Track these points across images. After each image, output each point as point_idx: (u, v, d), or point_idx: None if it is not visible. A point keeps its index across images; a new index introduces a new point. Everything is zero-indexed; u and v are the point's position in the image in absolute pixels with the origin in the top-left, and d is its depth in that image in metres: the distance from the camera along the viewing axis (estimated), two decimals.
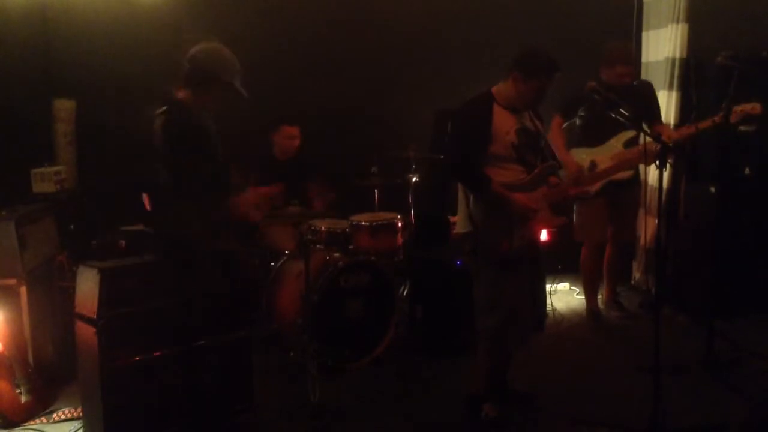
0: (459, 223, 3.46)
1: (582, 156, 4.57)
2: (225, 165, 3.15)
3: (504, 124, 3.27)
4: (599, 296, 5.10)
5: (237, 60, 3.07)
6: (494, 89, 3.34)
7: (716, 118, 4.18)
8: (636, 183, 4.74)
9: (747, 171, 4.90)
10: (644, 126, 4.46)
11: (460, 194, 3.40)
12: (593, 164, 4.52)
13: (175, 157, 2.92)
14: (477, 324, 3.43)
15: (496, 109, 3.28)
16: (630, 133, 4.48)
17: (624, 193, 4.65)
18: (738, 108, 4.10)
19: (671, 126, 5.12)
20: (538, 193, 3.34)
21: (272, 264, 4.39)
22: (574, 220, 4.85)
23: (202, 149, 2.99)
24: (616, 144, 4.52)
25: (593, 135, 4.58)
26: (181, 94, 3.03)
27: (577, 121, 4.68)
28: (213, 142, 3.10)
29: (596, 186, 4.51)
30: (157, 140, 2.95)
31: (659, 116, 4.82)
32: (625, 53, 4.54)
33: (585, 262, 5.00)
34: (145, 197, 3.31)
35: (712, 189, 4.68)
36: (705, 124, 4.26)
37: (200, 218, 2.96)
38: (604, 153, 4.53)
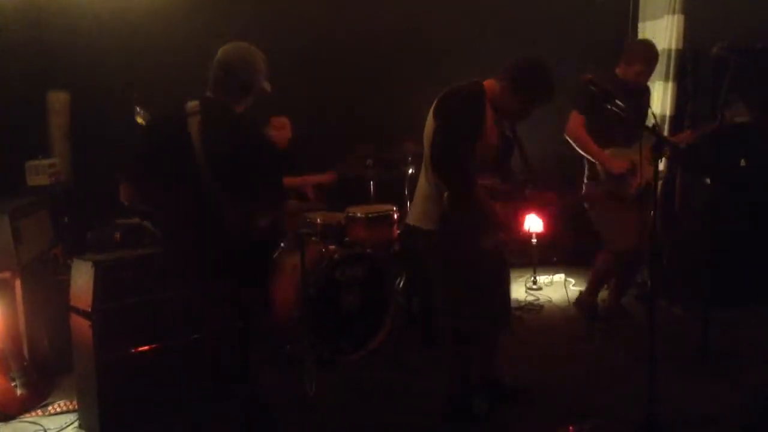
0: (418, 217, 3.26)
1: (619, 157, 4.28)
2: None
3: (491, 125, 3.13)
4: (602, 300, 4.92)
5: (264, 57, 2.90)
6: (487, 85, 3.15)
7: (715, 125, 4.17)
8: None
9: (742, 163, 4.90)
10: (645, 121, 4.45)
11: (426, 189, 3.22)
12: (632, 164, 4.26)
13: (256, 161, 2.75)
14: (442, 324, 3.40)
15: (488, 107, 3.11)
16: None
17: (647, 196, 4.30)
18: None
19: (666, 116, 5.12)
20: (509, 206, 3.21)
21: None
22: (597, 224, 4.54)
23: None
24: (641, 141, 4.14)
25: (613, 132, 4.26)
26: (222, 99, 2.81)
27: (586, 120, 4.40)
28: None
29: (641, 185, 4.29)
30: (234, 145, 2.71)
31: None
32: (646, 53, 4.37)
33: (603, 268, 4.70)
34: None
35: (708, 181, 4.68)
36: (705, 129, 4.23)
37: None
38: (638, 152, 4.14)
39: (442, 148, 3.05)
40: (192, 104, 2.73)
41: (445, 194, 3.04)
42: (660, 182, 4.69)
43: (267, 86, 2.91)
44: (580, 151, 4.38)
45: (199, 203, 2.69)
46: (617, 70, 4.41)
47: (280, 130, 4.81)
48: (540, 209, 3.36)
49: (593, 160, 4.37)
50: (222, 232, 2.71)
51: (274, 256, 4.33)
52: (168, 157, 2.72)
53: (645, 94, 4.53)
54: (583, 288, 5.04)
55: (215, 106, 2.75)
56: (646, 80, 4.43)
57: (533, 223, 5.41)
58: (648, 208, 4.35)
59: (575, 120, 4.33)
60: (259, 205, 2.81)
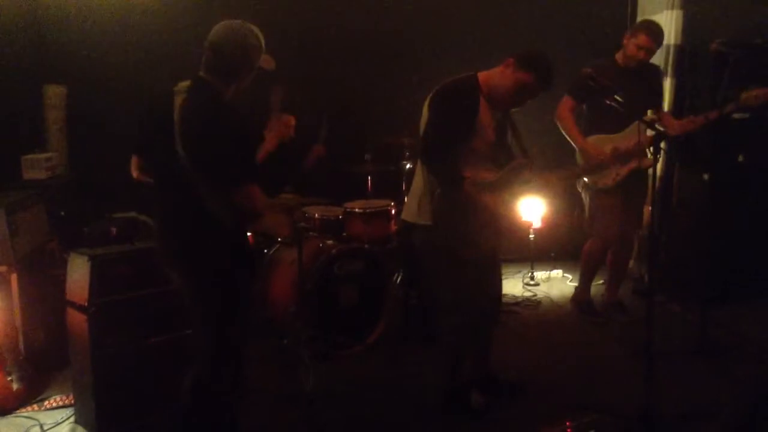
0: (413, 212, 3.25)
1: (603, 144, 4.34)
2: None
3: (486, 118, 3.13)
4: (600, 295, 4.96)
5: (260, 35, 2.80)
6: (481, 77, 3.17)
7: (718, 112, 4.15)
8: (645, 174, 4.40)
9: (740, 158, 4.90)
10: (647, 114, 4.44)
11: (421, 184, 3.22)
12: (615, 151, 4.29)
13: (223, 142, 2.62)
14: (439, 322, 3.40)
15: (482, 101, 3.13)
16: (649, 118, 4.22)
17: (635, 183, 4.39)
18: (752, 93, 4.05)
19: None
20: (505, 195, 3.20)
21: (265, 251, 4.37)
22: (587, 212, 4.64)
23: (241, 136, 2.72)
24: (637, 129, 4.15)
25: (610, 120, 4.27)
26: (209, 79, 2.74)
27: (585, 108, 4.50)
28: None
29: (621, 175, 4.33)
30: (192, 121, 2.64)
31: (661, 104, 4.68)
32: (653, 26, 4.33)
33: (591, 255, 4.73)
34: (135, 161, 2.94)
35: (706, 176, 4.68)
36: (707, 117, 4.21)
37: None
38: (626, 139, 4.26)
39: (432, 142, 3.08)
40: (183, 83, 2.72)
41: (437, 191, 3.07)
42: (657, 176, 4.69)
43: (267, 61, 2.83)
44: (565, 135, 4.43)
45: (175, 183, 2.68)
46: (616, 56, 4.40)
47: (285, 128, 4.83)
48: (540, 191, 3.39)
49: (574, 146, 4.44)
50: (189, 214, 2.68)
51: (272, 251, 4.33)
52: (155, 134, 2.74)
53: (648, 77, 4.46)
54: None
55: (200, 85, 2.71)
56: (648, 57, 4.34)
57: (530, 216, 5.40)
58: (634, 200, 4.44)
59: (565, 104, 4.42)
60: (220, 189, 2.68)
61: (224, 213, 2.66)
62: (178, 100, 2.66)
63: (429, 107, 3.15)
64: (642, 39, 4.27)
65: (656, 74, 4.61)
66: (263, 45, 2.82)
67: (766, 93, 4.05)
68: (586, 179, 4.50)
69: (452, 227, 3.09)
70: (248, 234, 3.86)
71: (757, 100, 4.05)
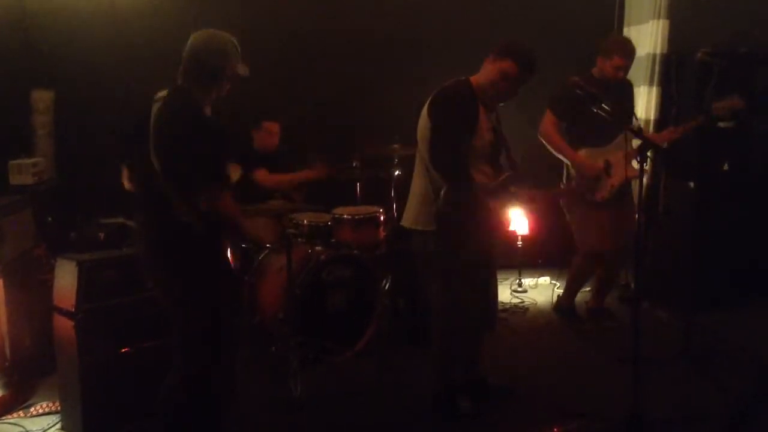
0: (411, 219, 3.31)
1: (594, 157, 4.33)
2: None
3: (484, 120, 3.21)
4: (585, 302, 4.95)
5: (235, 42, 2.84)
6: (473, 81, 3.25)
7: (699, 119, 4.19)
8: (629, 183, 4.45)
9: (725, 166, 4.94)
10: (632, 122, 4.47)
11: (420, 190, 3.27)
12: (608, 164, 4.29)
13: (187, 145, 2.63)
14: (432, 326, 3.42)
15: (479, 104, 3.21)
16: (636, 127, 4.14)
17: (622, 194, 4.41)
18: (720, 104, 4.11)
19: (650, 120, 5.17)
20: (500, 201, 3.26)
21: (254, 258, 4.36)
22: (573, 228, 4.59)
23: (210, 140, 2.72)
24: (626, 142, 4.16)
25: (595, 133, 4.27)
26: (185, 86, 2.78)
27: (568, 123, 4.45)
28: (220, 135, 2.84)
29: (615, 186, 4.32)
30: (161, 125, 2.66)
31: (633, 117, 4.72)
32: (624, 46, 4.37)
33: (581, 269, 4.70)
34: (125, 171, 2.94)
35: (692, 184, 4.72)
36: (689, 126, 4.25)
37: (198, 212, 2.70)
38: (617, 152, 4.25)
39: (440, 147, 3.13)
40: (161, 92, 2.73)
41: (443, 191, 3.10)
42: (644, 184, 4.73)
43: (242, 69, 2.84)
44: (553, 152, 4.42)
45: (151, 192, 2.69)
46: (593, 71, 4.39)
47: (271, 135, 4.84)
48: (525, 206, 3.44)
49: (565, 161, 4.43)
50: (162, 221, 2.70)
51: (260, 257, 4.32)
52: (134, 143, 2.76)
53: (626, 90, 4.50)
54: None
55: (176, 93, 2.72)
56: (625, 75, 4.38)
57: (518, 224, 5.43)
58: (625, 210, 4.42)
59: (548, 120, 4.39)
60: (186, 194, 2.67)
61: (195, 221, 2.65)
62: (155, 108, 2.68)
63: (430, 114, 3.18)
64: (617, 61, 4.27)
65: (628, 89, 4.58)
66: (239, 52, 2.84)
67: (732, 104, 4.14)
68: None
69: (455, 230, 3.13)
70: (226, 242, 3.85)
71: (723, 110, 4.15)
